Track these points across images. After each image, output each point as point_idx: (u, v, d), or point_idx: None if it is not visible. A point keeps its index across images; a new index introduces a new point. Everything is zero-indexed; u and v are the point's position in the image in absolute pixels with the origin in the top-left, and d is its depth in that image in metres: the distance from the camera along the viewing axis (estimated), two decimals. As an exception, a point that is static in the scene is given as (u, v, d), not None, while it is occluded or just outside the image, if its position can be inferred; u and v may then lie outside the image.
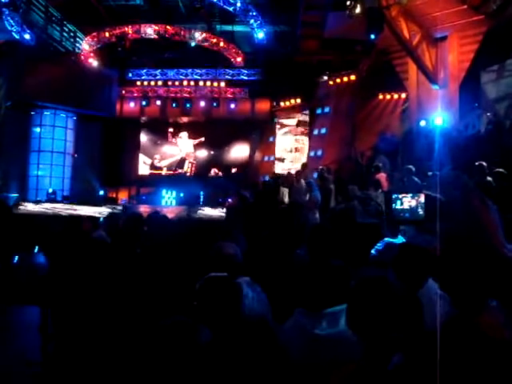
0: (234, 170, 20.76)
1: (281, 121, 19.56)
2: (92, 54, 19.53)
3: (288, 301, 2.27)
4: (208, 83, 19.88)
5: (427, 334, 1.47)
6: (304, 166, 13.03)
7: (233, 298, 2.17)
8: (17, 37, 17.80)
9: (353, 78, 16.67)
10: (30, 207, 14.65)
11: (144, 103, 20.01)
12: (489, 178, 7.07)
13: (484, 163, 7.40)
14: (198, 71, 20.02)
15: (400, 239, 4.98)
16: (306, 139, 18.62)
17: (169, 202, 18.15)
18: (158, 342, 1.39)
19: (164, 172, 21.23)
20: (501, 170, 6.99)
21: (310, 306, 2.07)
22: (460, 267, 1.61)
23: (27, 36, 18.05)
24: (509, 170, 7.16)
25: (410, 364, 1.24)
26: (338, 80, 17.03)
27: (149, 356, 1.49)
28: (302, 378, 1.93)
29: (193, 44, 19.02)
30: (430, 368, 1.17)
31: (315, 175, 12.35)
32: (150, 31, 19.04)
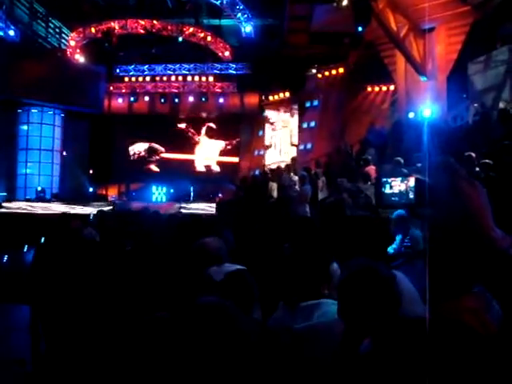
0: (224, 165, 20.74)
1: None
2: (78, 50, 19.31)
3: (275, 295, 2.28)
4: (196, 78, 19.78)
5: (399, 320, 1.49)
6: (293, 159, 13.03)
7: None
8: (1, 33, 17.54)
9: (341, 70, 16.67)
10: (18, 206, 14.52)
11: (132, 99, 19.87)
12: (477, 169, 7.12)
13: (473, 154, 7.44)
14: (186, 66, 19.91)
15: (416, 230, 5.02)
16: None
17: (159, 198, 18.08)
18: (145, 338, 1.39)
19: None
20: (487, 160, 7.05)
21: (287, 300, 2.10)
22: (447, 251, 1.63)
23: (11, 32, 17.78)
24: (496, 160, 7.21)
25: (378, 350, 1.25)
26: (327, 73, 17.03)
27: (138, 353, 1.48)
28: (286, 371, 1.94)
29: (180, 39, 18.91)
30: (398, 354, 1.18)
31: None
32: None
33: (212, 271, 2.66)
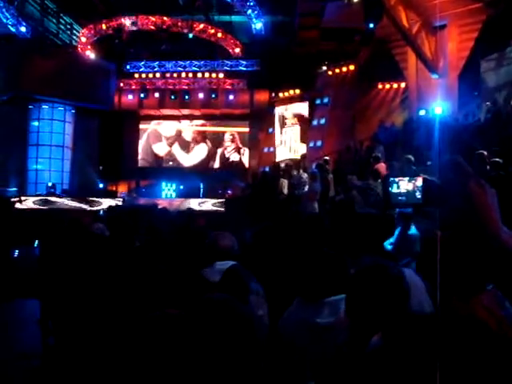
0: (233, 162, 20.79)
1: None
2: (89, 47, 19.39)
3: (286, 292, 2.27)
4: (206, 75, 19.76)
5: (408, 317, 1.48)
6: (303, 156, 12.99)
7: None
8: (13, 30, 17.66)
9: (352, 67, 16.57)
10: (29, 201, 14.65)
11: (142, 95, 19.90)
12: (488, 167, 7.05)
13: (484, 152, 7.37)
14: (196, 63, 19.90)
15: (413, 230, 4.98)
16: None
17: (169, 195, 18.16)
18: (153, 334, 1.39)
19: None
20: (497, 159, 6.98)
21: (309, 295, 2.08)
22: (455, 251, 1.61)
23: (23, 29, 17.90)
24: (508, 158, 7.14)
25: (388, 345, 1.24)
26: (337, 70, 16.93)
27: (147, 348, 1.48)
28: (306, 366, 1.94)
29: (190, 35, 18.92)
30: (410, 349, 1.16)
31: (314, 166, 12.32)
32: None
33: (205, 272, 2.66)
